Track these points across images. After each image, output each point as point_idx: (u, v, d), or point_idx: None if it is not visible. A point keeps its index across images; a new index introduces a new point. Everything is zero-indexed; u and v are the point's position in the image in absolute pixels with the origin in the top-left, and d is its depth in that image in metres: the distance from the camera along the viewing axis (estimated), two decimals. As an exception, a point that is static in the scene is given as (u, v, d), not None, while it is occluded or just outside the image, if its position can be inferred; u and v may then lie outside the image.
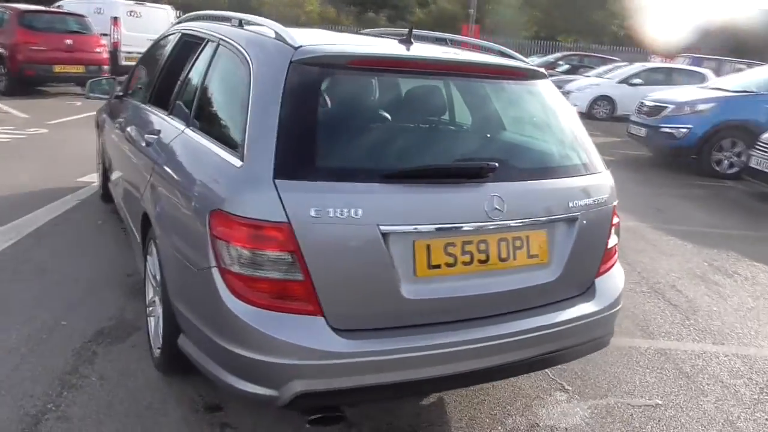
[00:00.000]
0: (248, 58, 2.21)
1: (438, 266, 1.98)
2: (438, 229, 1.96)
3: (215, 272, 1.91)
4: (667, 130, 8.81)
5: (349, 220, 1.85)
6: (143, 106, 3.34)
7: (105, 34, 13.44)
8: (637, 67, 15.71)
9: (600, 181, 2.37)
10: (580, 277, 2.32)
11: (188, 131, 2.45)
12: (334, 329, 1.87)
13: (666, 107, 9.04)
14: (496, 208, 2.02)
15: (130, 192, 3.15)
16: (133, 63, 14.06)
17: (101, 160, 4.81)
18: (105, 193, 4.87)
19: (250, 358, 1.86)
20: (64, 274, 3.60)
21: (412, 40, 2.38)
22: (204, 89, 2.52)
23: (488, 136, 2.26)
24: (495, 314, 2.10)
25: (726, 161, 8.64)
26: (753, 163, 7.36)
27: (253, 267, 1.85)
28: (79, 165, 6.18)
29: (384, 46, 2.31)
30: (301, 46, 2.06)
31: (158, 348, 2.59)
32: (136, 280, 3.57)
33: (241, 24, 2.64)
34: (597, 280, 2.39)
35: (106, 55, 12.17)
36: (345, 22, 31.25)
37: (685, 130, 8.66)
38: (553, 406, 2.66)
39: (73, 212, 4.73)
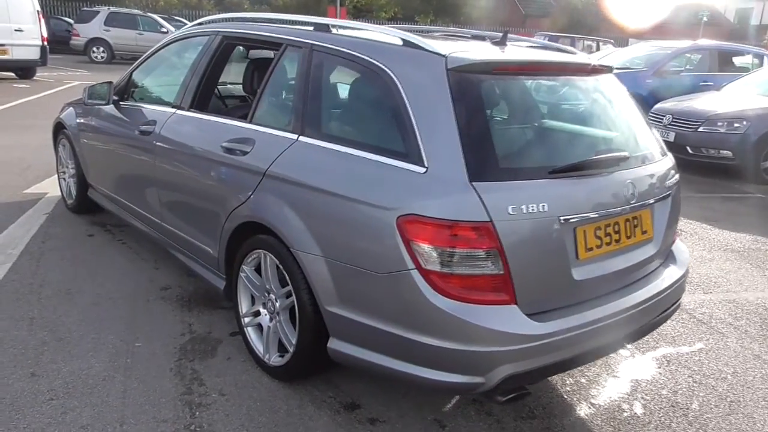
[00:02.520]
0: (384, 68, 2.27)
1: (591, 249, 2.23)
2: (592, 216, 2.20)
3: (415, 274, 2.01)
4: (568, 107, 9.67)
5: (538, 214, 2.04)
6: (183, 113, 3.20)
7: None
8: (511, 47, 16.79)
9: (672, 160, 2.75)
10: (666, 247, 2.68)
11: (307, 140, 2.45)
12: (526, 315, 2.06)
13: (564, 86, 9.90)
14: (632, 193, 2.31)
15: (194, 204, 3.04)
16: (-2, 56, 12.60)
17: (75, 170, 4.45)
18: (79, 204, 4.54)
19: (457, 350, 2.00)
20: (93, 294, 3.38)
21: (507, 42, 2.57)
22: (313, 97, 2.52)
23: (602, 128, 2.52)
24: (628, 285, 2.39)
25: (619, 132, 9.67)
26: (649, 133, 8.36)
27: (459, 265, 1.98)
28: (14, 175, 5.64)
29: (497, 49, 2.47)
30: (448, 55, 2.18)
31: (278, 356, 2.60)
32: (178, 293, 3.46)
33: (329, 28, 2.68)
34: (673, 248, 2.78)
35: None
36: (207, 6, 29.98)
37: (583, 106, 9.56)
38: (625, 362, 3.03)
39: (50, 227, 4.35)
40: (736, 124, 7.73)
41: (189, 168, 3.05)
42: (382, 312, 2.14)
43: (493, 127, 2.14)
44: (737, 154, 7.61)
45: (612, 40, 22.53)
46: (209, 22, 3.42)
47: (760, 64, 11.35)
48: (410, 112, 2.14)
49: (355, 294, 2.22)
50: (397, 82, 2.22)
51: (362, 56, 2.39)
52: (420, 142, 2.09)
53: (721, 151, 7.75)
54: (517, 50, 2.54)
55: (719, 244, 5.07)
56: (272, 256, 2.53)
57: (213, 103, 3.30)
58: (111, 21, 19.17)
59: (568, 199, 2.15)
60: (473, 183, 1.99)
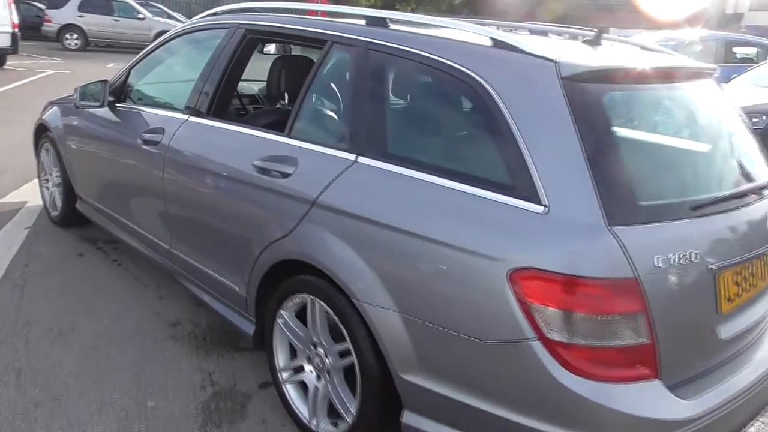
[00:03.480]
0: (474, 75, 1.79)
1: (731, 299, 1.80)
2: (736, 260, 1.77)
3: (536, 345, 1.55)
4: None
5: (689, 264, 1.60)
6: (198, 120, 2.68)
7: None
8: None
9: None
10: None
11: (369, 162, 1.97)
12: (668, 389, 1.62)
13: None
14: None
15: (214, 232, 2.54)
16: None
17: (60, 179, 3.90)
18: (65, 217, 3.99)
19: (590, 443, 1.55)
20: (90, 333, 2.86)
21: (601, 41, 2.10)
22: (374, 109, 2.03)
23: (729, 148, 2.08)
24: (761, 337, 1.98)
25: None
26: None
27: (594, 335, 1.53)
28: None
29: (599, 51, 2.01)
30: (559, 60, 1.72)
31: (330, 424, 2.13)
32: (189, 329, 2.97)
33: (385, 23, 2.19)
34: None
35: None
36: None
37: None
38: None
39: (34, 245, 3.80)
40: (754, 119, 7.36)
41: (209, 188, 2.54)
42: (482, 387, 1.68)
43: (625, 151, 1.69)
44: (757, 151, 7.29)
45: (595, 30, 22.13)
46: (225, 12, 2.89)
47: (765, 55, 11.06)
48: (517, 134, 1.68)
49: (442, 362, 1.76)
50: (494, 95, 1.75)
51: (440, 59, 1.90)
52: (535, 173, 1.62)
53: (739, 149, 7.43)
54: (625, 52, 2.09)
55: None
56: (323, 304, 2.06)
57: (235, 109, 2.79)
58: (85, 6, 18.20)
59: (713, 241, 1.72)
60: (612, 227, 1.54)
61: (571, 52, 1.84)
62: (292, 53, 3.64)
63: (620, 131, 1.72)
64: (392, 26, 2.19)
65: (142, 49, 3.38)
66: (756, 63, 9.84)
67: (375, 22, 2.22)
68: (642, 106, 1.90)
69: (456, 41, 1.96)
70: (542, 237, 1.58)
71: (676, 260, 1.58)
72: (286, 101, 2.94)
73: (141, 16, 18.57)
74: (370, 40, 2.13)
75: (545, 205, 1.60)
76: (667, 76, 1.97)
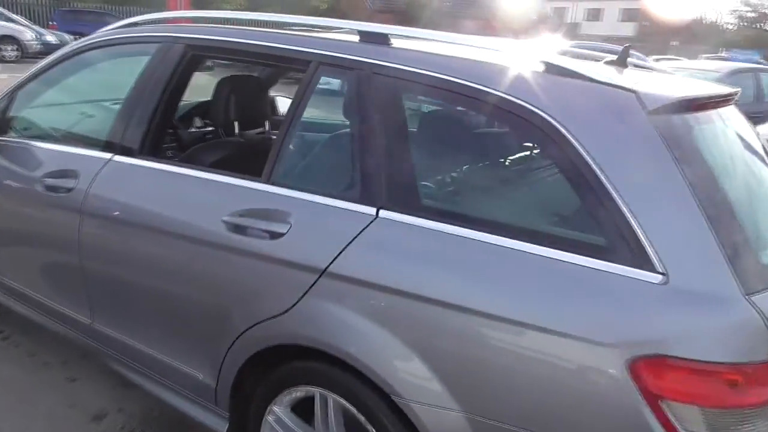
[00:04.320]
0: (532, 107, 1.44)
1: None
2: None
3: (671, 453, 1.23)
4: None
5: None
6: (128, 160, 2.07)
7: None
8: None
9: None
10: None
11: (399, 218, 1.55)
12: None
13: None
14: None
15: (162, 304, 1.97)
16: None
17: None
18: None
19: None
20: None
21: (627, 63, 1.84)
22: (395, 148, 1.60)
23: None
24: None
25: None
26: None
27: (739, 431, 1.24)
28: None
29: (641, 75, 1.75)
30: (639, 90, 1.43)
31: None
32: (121, 421, 2.37)
33: (386, 39, 1.78)
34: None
35: None
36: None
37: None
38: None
39: None
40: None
41: (154, 250, 1.96)
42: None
43: (732, 197, 1.42)
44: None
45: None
46: (148, 22, 2.29)
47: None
48: (606, 182, 1.35)
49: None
50: (565, 133, 1.40)
51: (482, 88, 1.52)
52: (641, 233, 1.30)
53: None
54: (672, 78, 1.85)
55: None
56: (342, 401, 1.61)
57: (176, 145, 2.22)
58: None
59: None
60: (750, 297, 1.26)
61: (637, 79, 1.55)
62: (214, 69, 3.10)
63: (716, 171, 1.46)
64: (395, 43, 1.78)
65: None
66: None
67: (371, 38, 1.80)
68: (715, 139, 1.66)
69: (498, 65, 1.59)
70: (668, 315, 1.26)
71: None
72: (237, 130, 2.41)
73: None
74: (374, 61, 1.70)
75: (662, 273, 1.28)
76: (720, 103, 1.75)
